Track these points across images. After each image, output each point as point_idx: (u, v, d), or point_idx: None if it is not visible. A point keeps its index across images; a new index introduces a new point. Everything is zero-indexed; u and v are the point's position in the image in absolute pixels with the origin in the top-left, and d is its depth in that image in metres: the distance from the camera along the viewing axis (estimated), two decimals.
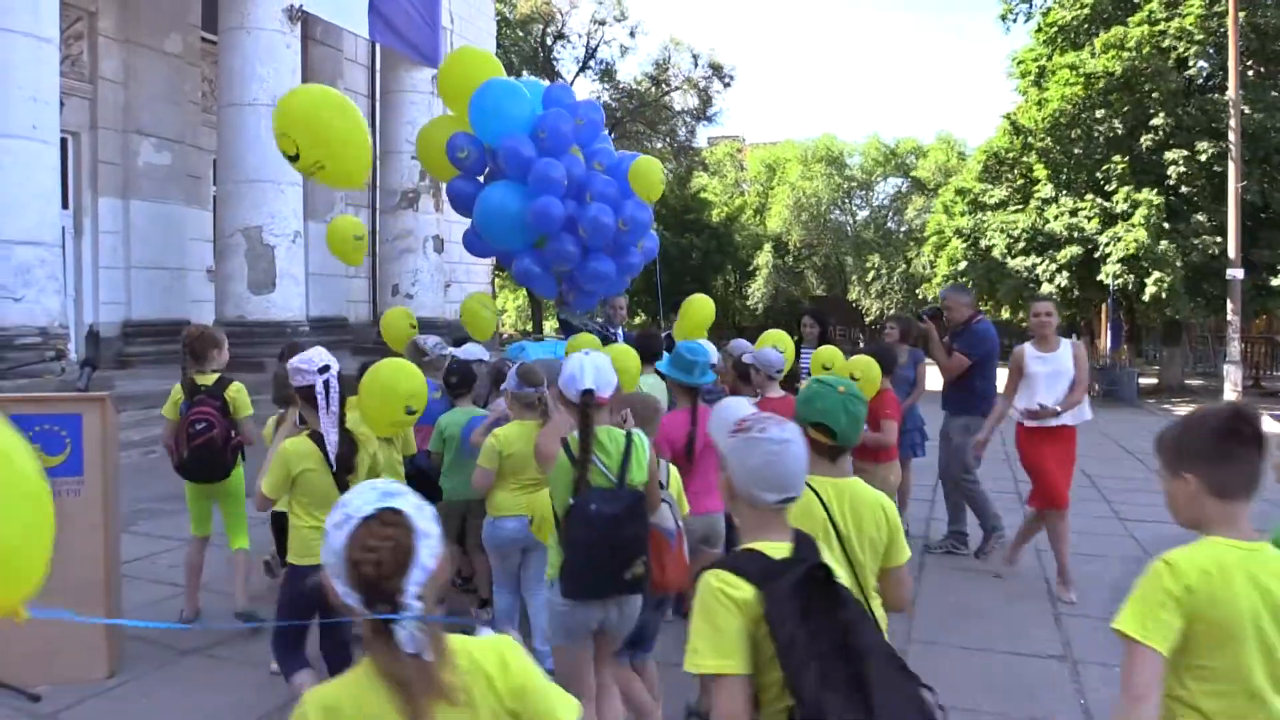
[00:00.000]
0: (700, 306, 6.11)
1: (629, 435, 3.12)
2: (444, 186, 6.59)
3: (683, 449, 4.03)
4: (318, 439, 3.51)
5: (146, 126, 14.35)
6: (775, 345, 5.31)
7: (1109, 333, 24.44)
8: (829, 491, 2.46)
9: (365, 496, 1.58)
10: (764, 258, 45.74)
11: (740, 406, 2.45)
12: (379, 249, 18.90)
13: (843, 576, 2.02)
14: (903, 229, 45.77)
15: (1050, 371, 5.87)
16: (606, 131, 6.36)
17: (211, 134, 14.86)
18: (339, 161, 4.52)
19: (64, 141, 12.32)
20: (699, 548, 3.67)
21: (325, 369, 3.53)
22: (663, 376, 4.60)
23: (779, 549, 1.93)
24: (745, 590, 1.83)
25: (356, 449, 3.58)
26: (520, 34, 38.87)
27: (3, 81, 9.49)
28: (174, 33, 14.79)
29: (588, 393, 3.04)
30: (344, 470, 3.51)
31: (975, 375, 6.53)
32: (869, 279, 45.70)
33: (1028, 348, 5.99)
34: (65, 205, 12.87)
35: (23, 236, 9.69)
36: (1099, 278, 20.48)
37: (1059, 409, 5.76)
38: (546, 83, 6.99)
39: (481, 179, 6.15)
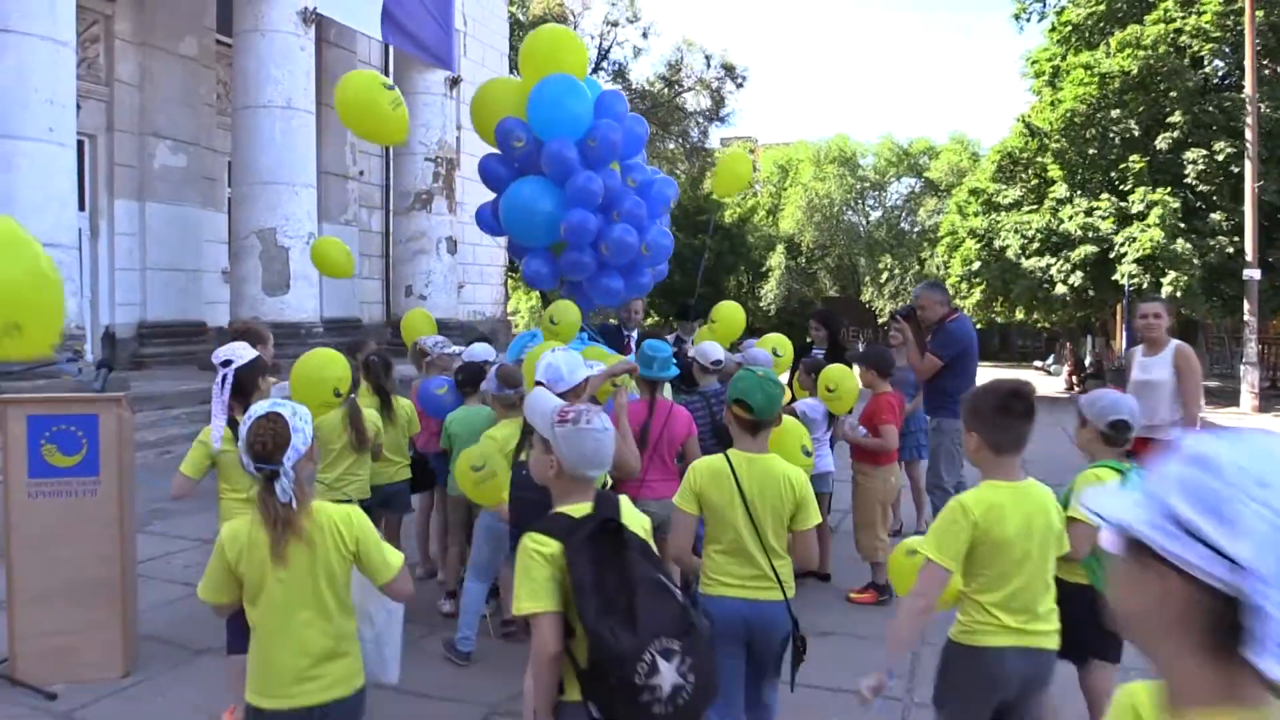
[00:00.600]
0: (731, 314, 6.11)
1: None
2: (458, 186, 6.59)
3: (637, 438, 4.26)
4: (234, 425, 3.68)
5: (162, 129, 14.43)
6: (775, 348, 5.39)
7: (1124, 334, 24.31)
8: (742, 464, 3.00)
9: (260, 407, 2.55)
10: (777, 258, 45.67)
11: (551, 399, 2.69)
12: (392, 250, 18.98)
13: (745, 536, 2.89)
14: (916, 229, 45.65)
15: (1146, 380, 5.59)
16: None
17: (226, 136, 14.94)
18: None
19: (80, 144, 12.39)
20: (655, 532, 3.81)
21: (227, 363, 3.82)
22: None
23: (581, 509, 2.39)
24: (552, 545, 2.28)
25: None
26: None
27: (20, 84, 9.56)
28: (189, 35, 14.87)
29: (538, 383, 3.55)
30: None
31: (948, 375, 6.19)
32: (882, 280, 45.58)
33: (1136, 352, 5.93)
34: (82, 207, 12.95)
35: (40, 238, 9.62)
36: (1114, 278, 20.37)
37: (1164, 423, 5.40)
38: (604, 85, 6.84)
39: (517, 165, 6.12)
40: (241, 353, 3.93)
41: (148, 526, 6.93)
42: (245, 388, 3.86)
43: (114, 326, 13.81)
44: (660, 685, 2.16)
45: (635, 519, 2.45)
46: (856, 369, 6.02)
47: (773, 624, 3.10)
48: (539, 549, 2.28)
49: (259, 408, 2.53)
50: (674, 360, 4.65)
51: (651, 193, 5.91)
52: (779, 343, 5.57)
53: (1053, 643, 2.76)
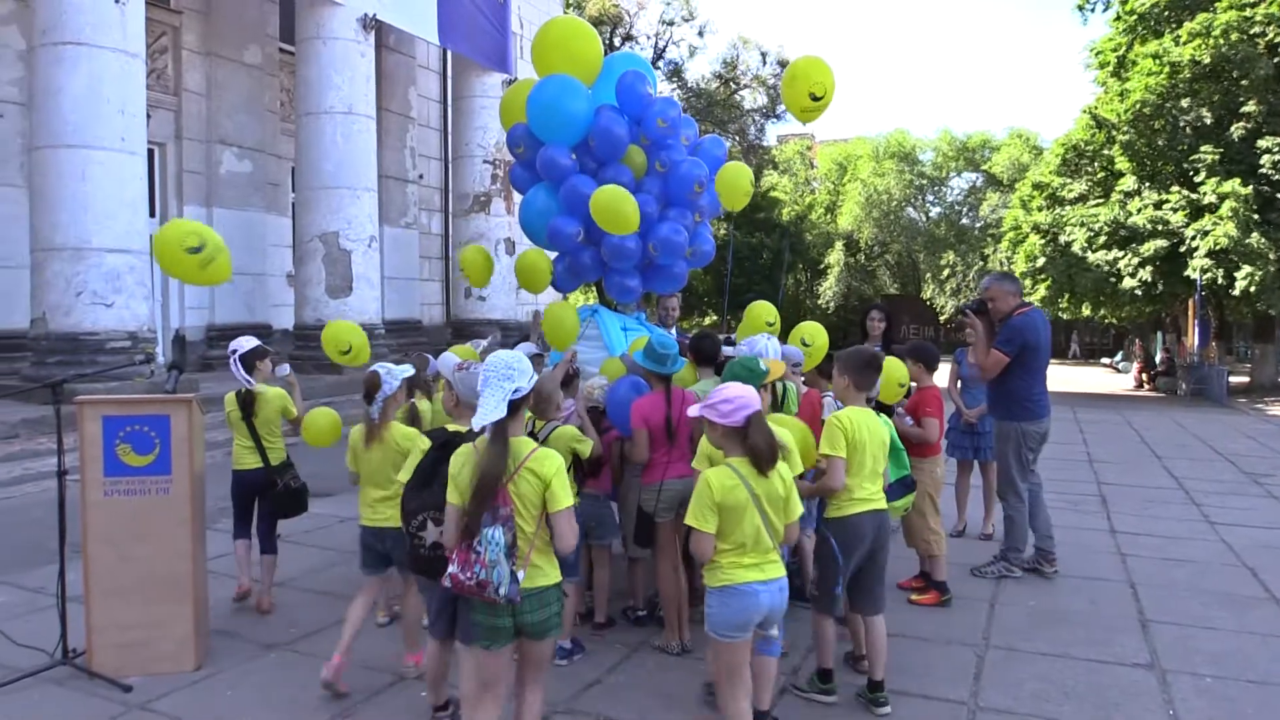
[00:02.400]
0: (760, 311, 6.00)
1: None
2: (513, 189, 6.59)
3: (662, 427, 4.59)
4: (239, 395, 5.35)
5: (228, 136, 14.80)
6: (804, 337, 5.36)
7: (1196, 330, 23.63)
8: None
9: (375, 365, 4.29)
10: (835, 256, 45.24)
11: (454, 358, 4.27)
12: (451, 252, 19.20)
13: (778, 484, 3.34)
14: (978, 225, 44.88)
15: None
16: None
17: (290, 142, 15.26)
18: None
19: (150, 152, 12.74)
20: (677, 507, 4.55)
21: (233, 351, 5.38)
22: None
23: (459, 429, 3.59)
24: (427, 442, 3.63)
25: (253, 400, 5.29)
26: None
27: (93, 96, 9.87)
28: (253, 44, 15.21)
29: None
30: (249, 414, 5.31)
31: (1012, 375, 5.87)
32: (944, 276, 44.90)
33: None
34: (152, 214, 13.31)
35: (113, 244, 10.07)
36: (1185, 272, 19.80)
37: None
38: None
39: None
40: (244, 343, 5.43)
41: (216, 524, 7.09)
42: (249, 367, 5.36)
43: (184, 329, 14.20)
44: (425, 538, 3.37)
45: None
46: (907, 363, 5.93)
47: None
48: (420, 443, 3.80)
49: (378, 366, 4.27)
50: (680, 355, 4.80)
51: (680, 173, 5.66)
52: (810, 331, 5.49)
53: (884, 505, 4.10)
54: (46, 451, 8.59)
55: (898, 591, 5.66)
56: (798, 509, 3.41)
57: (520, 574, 2.94)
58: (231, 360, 5.32)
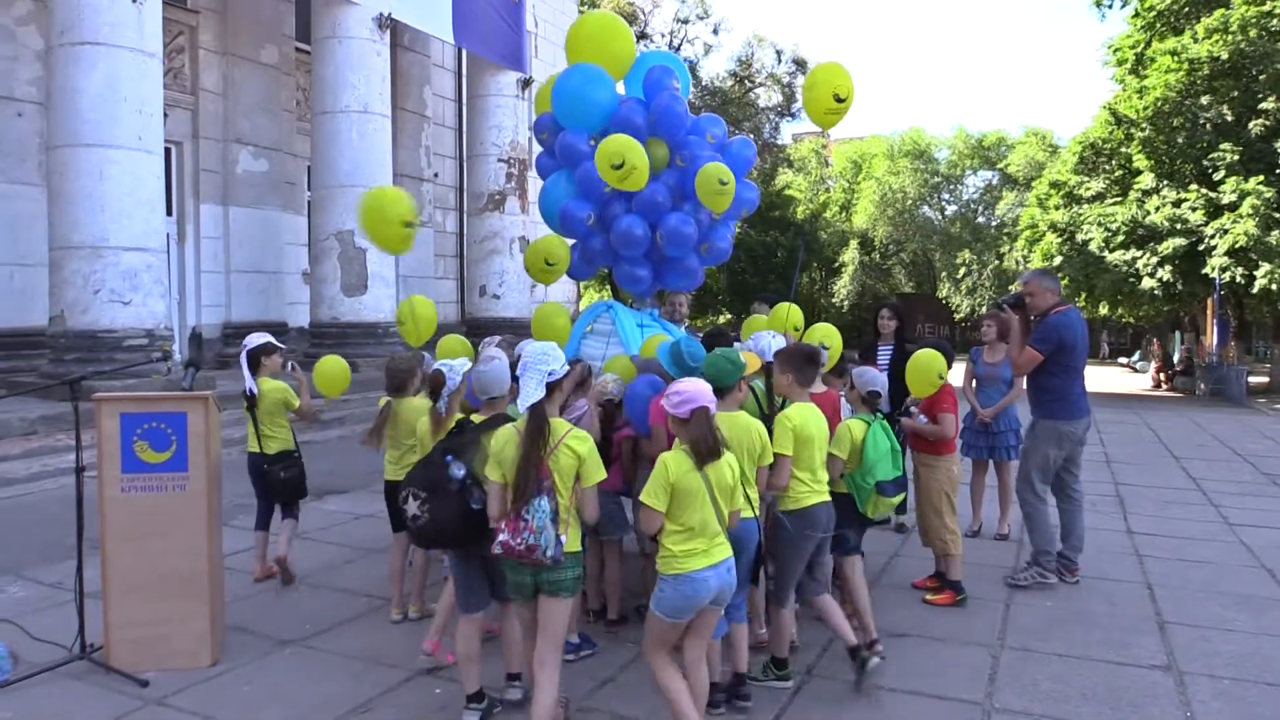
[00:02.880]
0: (782, 314, 5.97)
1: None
2: (530, 186, 6.59)
3: None
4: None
5: (245, 135, 14.88)
6: (822, 340, 5.35)
7: (1215, 329, 23.45)
8: (725, 420, 3.74)
9: (439, 363, 4.55)
10: (849, 254, 45.09)
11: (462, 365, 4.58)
12: (466, 251, 19.25)
13: (727, 473, 3.47)
14: (994, 223, 44.66)
15: None
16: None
17: (306, 141, 15.33)
18: None
19: (167, 151, 12.83)
20: None
21: (243, 347, 5.76)
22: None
23: (478, 418, 3.86)
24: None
25: (255, 399, 5.64)
26: None
27: (110, 95, 9.94)
28: (269, 44, 15.29)
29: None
30: (252, 406, 5.65)
31: (1048, 372, 5.76)
32: (959, 275, 44.71)
33: None
34: (169, 212, 13.41)
35: (130, 243, 10.14)
36: (1204, 271, 19.65)
37: None
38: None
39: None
40: (252, 339, 5.75)
41: (232, 521, 7.14)
42: (254, 362, 5.67)
43: (200, 327, 14.29)
44: (408, 510, 3.69)
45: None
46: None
47: (750, 537, 3.89)
48: (448, 427, 4.07)
49: (440, 364, 4.54)
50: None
51: (697, 168, 5.62)
52: (826, 334, 5.50)
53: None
54: (64, 448, 8.67)
55: (912, 591, 5.65)
56: (736, 499, 3.53)
57: (563, 538, 3.34)
58: (240, 356, 5.70)
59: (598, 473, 3.44)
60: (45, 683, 4.18)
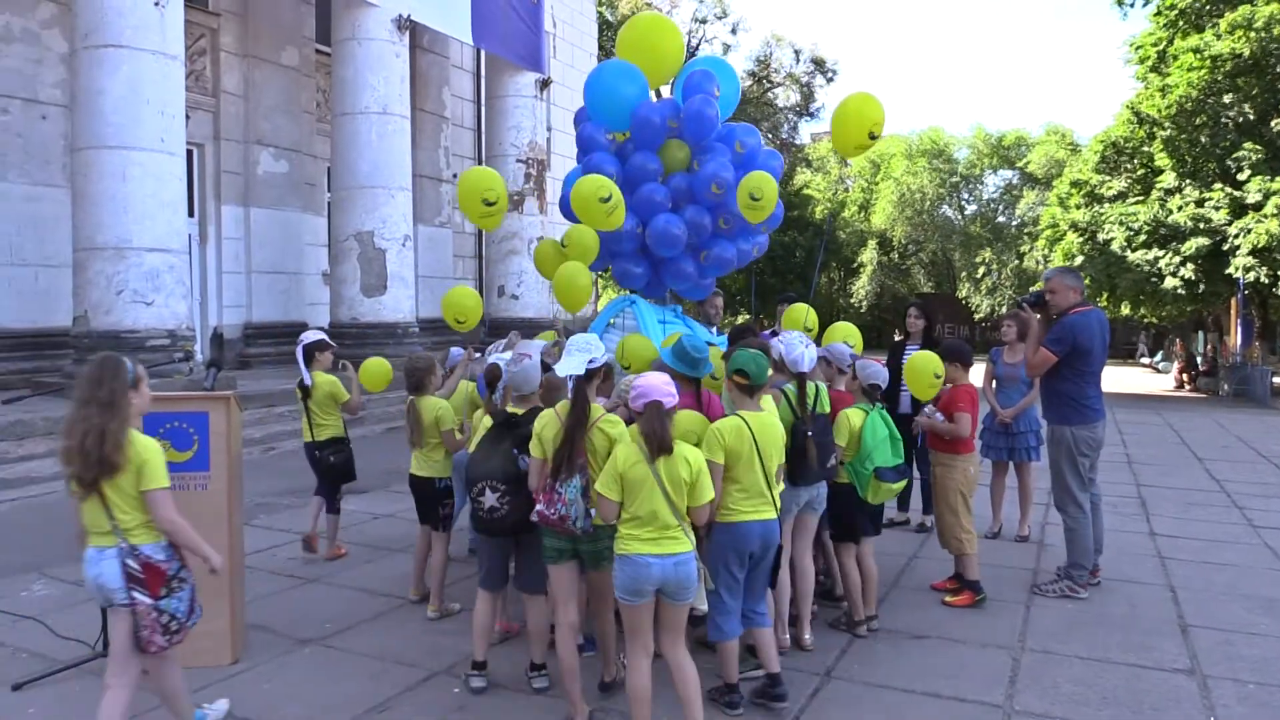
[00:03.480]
0: (796, 314, 5.94)
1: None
2: (548, 186, 6.61)
3: None
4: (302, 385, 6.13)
5: (266, 137, 14.98)
6: (845, 339, 5.35)
7: (1239, 329, 23.21)
8: (752, 421, 3.87)
9: (499, 357, 4.78)
10: (868, 254, 44.96)
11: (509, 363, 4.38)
12: (485, 251, 19.30)
13: (757, 469, 3.80)
14: (1014, 223, 44.40)
15: None
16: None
17: (326, 142, 15.42)
18: None
19: (189, 153, 12.94)
20: None
21: (300, 343, 6.18)
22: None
23: (516, 411, 4.18)
24: (489, 422, 4.20)
25: (309, 390, 6.07)
26: None
27: (133, 97, 10.03)
28: (290, 46, 15.39)
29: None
30: (306, 397, 6.11)
31: (1060, 376, 5.58)
32: (979, 275, 44.49)
33: None
34: (191, 213, 13.53)
35: (153, 244, 10.23)
36: (1227, 271, 19.45)
37: None
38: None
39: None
40: (307, 336, 6.22)
41: (253, 520, 7.19)
42: (309, 357, 6.11)
43: (222, 327, 14.40)
44: (484, 502, 4.00)
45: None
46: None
47: (772, 538, 3.96)
48: (485, 421, 4.27)
49: (495, 358, 4.82)
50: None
51: (703, 172, 5.56)
52: (847, 333, 5.50)
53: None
54: None
55: (932, 592, 5.63)
56: (705, 494, 3.54)
57: (592, 512, 3.69)
58: (297, 350, 6.17)
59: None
60: (68, 679, 4.22)
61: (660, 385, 3.52)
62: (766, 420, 3.94)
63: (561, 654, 3.86)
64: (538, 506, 3.77)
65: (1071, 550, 5.68)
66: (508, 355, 4.73)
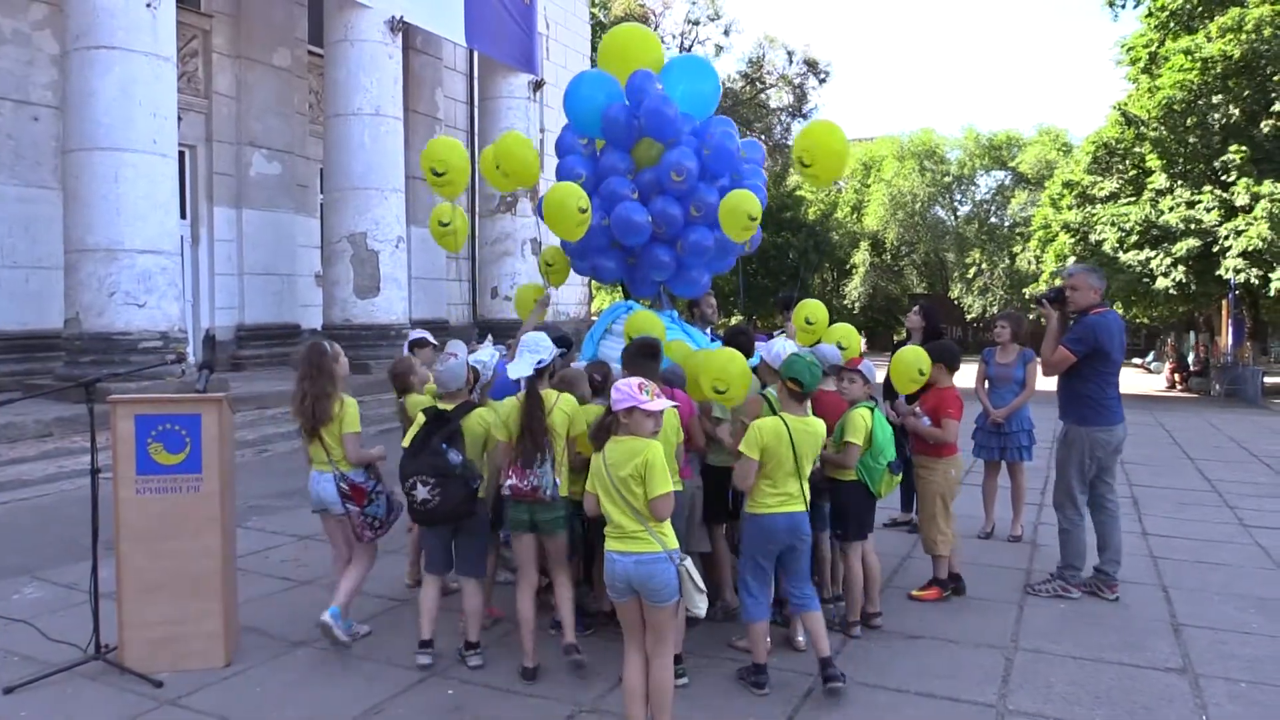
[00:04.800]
0: (813, 311, 5.89)
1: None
2: (541, 188, 6.65)
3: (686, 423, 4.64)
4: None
5: (258, 138, 14.95)
6: (840, 341, 5.38)
7: (1230, 330, 23.31)
8: (795, 424, 4.13)
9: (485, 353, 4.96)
10: (861, 256, 45.02)
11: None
12: (477, 252, 19.28)
13: (790, 468, 4.08)
14: (1006, 224, 44.52)
15: None
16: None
17: (318, 144, 15.38)
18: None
19: (181, 154, 12.89)
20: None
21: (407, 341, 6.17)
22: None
23: (445, 407, 4.40)
24: (422, 419, 4.35)
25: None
26: None
27: (125, 99, 10.00)
28: (282, 47, 15.36)
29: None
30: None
31: (1080, 376, 5.50)
32: (971, 276, 44.58)
33: None
34: (183, 215, 13.47)
35: (145, 245, 10.19)
36: (1219, 272, 19.53)
37: None
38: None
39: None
40: (413, 335, 6.24)
41: (246, 522, 7.17)
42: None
43: (214, 329, 14.35)
44: (417, 495, 4.20)
45: (476, 420, 4.41)
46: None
47: (798, 528, 4.18)
48: (419, 419, 4.38)
49: (473, 360, 4.71)
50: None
51: (667, 161, 5.57)
52: (844, 335, 5.52)
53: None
54: (80, 450, 8.71)
55: (902, 592, 5.63)
56: (658, 487, 3.46)
57: (558, 480, 4.22)
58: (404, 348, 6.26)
59: (582, 424, 4.29)
60: (60, 683, 4.20)
61: (635, 390, 3.51)
62: (808, 424, 4.18)
63: (520, 608, 4.34)
64: (509, 481, 4.21)
65: (1066, 551, 5.68)
66: (486, 355, 4.88)
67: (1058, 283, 6.16)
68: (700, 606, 3.58)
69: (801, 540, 4.21)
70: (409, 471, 4.26)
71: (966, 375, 5.87)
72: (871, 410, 4.89)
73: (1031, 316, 6.40)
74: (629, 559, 3.50)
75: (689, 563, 3.53)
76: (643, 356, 4.50)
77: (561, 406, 4.30)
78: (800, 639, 4.65)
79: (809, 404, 4.28)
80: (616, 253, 5.82)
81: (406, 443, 4.38)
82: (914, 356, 5.50)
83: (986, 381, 7.21)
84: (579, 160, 5.76)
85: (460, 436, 4.33)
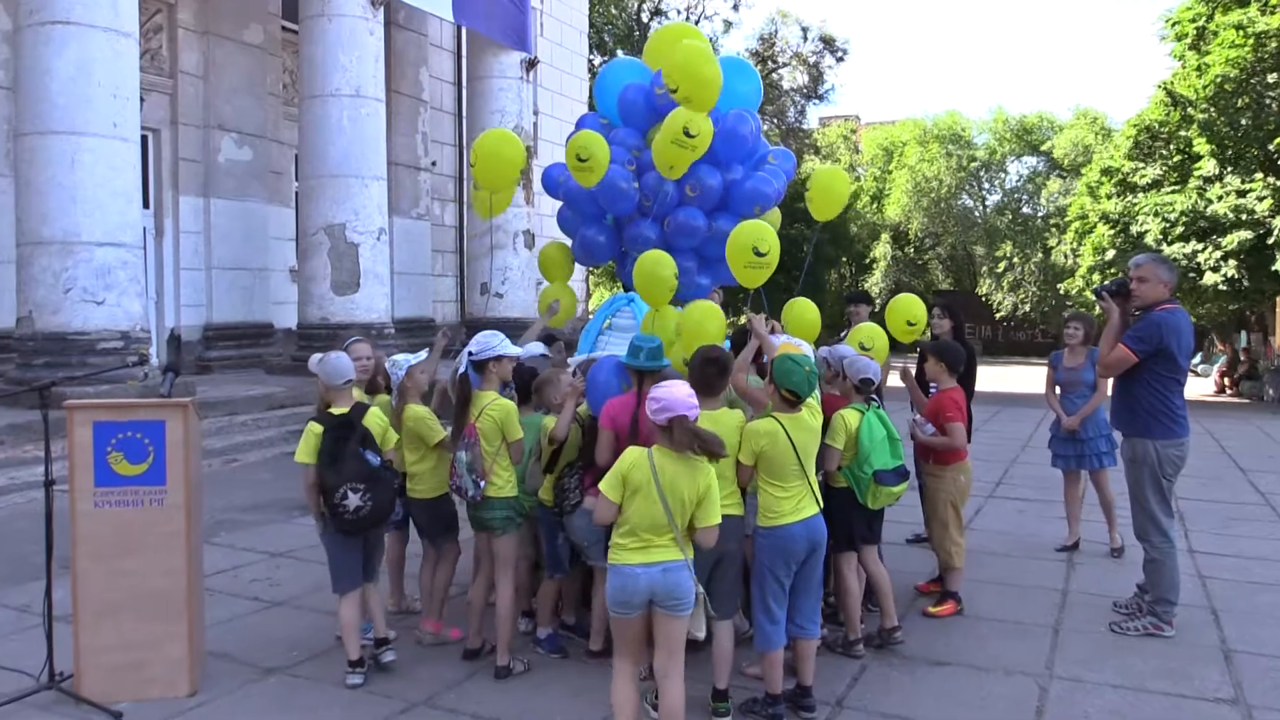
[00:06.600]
0: (802, 311, 5.89)
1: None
2: (535, 175, 6.71)
3: (627, 427, 4.52)
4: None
5: (227, 121, 14.95)
6: (862, 341, 5.42)
7: None
8: (790, 422, 4.17)
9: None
10: (882, 249, 45.00)
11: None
12: (466, 245, 19.28)
13: (796, 469, 4.14)
14: (1039, 214, 44.41)
15: None
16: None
17: (293, 128, 15.38)
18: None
19: (144, 139, 12.89)
20: None
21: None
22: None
23: (341, 410, 4.57)
24: (319, 428, 4.48)
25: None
26: (614, 11, 39.11)
27: (83, 78, 10.00)
28: (254, 23, 15.36)
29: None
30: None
31: (1141, 381, 5.27)
32: (1000, 270, 44.49)
33: None
34: (146, 205, 13.48)
35: (104, 238, 10.19)
36: (1273, 267, 19.49)
37: None
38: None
39: None
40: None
41: (214, 538, 7.16)
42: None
43: (179, 328, 14.34)
44: (348, 504, 4.36)
45: (374, 419, 4.61)
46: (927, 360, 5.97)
47: (817, 535, 4.23)
48: (314, 429, 4.49)
49: (388, 362, 5.08)
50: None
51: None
52: (869, 335, 5.52)
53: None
54: (33, 460, 8.71)
55: (951, 617, 5.62)
56: (711, 515, 3.66)
57: (482, 483, 4.57)
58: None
59: (515, 431, 4.64)
60: (10, 715, 4.18)
61: (684, 398, 3.63)
62: (803, 420, 4.21)
63: (472, 594, 4.96)
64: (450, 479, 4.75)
65: (1157, 584, 5.40)
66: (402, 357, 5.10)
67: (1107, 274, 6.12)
68: (703, 630, 3.70)
69: (821, 545, 4.24)
70: (335, 481, 4.38)
71: (987, 379, 5.85)
72: (861, 413, 4.88)
73: (1066, 315, 6.39)
74: (655, 569, 3.56)
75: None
76: (712, 368, 4.24)
77: (490, 411, 4.59)
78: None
79: (800, 406, 4.24)
80: (607, 227, 5.90)
81: (309, 456, 4.46)
82: (905, 305, 5.70)
83: (1056, 387, 7.27)
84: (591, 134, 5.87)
85: (371, 437, 4.52)
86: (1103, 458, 7.07)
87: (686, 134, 5.01)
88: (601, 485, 3.68)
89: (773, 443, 4.10)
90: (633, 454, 3.67)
